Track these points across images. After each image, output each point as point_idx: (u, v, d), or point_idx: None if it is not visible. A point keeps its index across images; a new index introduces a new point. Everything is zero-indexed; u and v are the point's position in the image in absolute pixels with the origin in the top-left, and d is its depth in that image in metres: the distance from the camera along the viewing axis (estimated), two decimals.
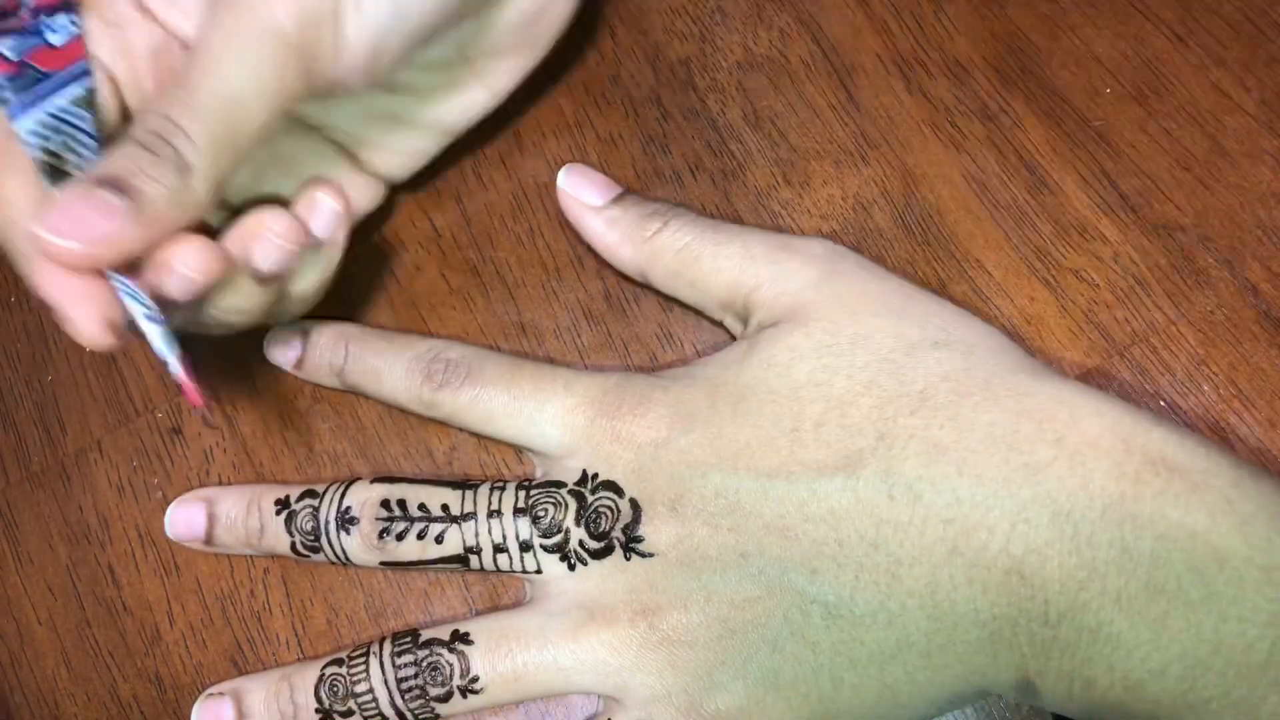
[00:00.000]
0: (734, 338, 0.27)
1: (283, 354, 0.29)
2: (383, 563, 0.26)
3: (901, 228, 0.28)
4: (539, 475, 0.27)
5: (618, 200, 0.28)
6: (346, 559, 0.26)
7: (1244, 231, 0.27)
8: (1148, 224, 0.27)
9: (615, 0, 0.31)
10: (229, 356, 0.30)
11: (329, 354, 0.28)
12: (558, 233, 0.30)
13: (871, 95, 0.30)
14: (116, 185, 0.20)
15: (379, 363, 0.27)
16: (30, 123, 0.21)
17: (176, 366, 0.22)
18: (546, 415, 0.26)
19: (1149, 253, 0.27)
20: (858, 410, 0.23)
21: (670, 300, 0.29)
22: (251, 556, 0.29)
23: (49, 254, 0.20)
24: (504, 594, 0.27)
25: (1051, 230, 0.28)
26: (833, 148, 0.29)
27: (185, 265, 0.21)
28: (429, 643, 0.25)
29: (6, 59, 0.21)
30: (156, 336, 0.21)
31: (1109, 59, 0.29)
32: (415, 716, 0.25)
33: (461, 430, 0.28)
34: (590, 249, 0.29)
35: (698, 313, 0.29)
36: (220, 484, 0.29)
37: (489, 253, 0.30)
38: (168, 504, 0.29)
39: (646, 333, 0.29)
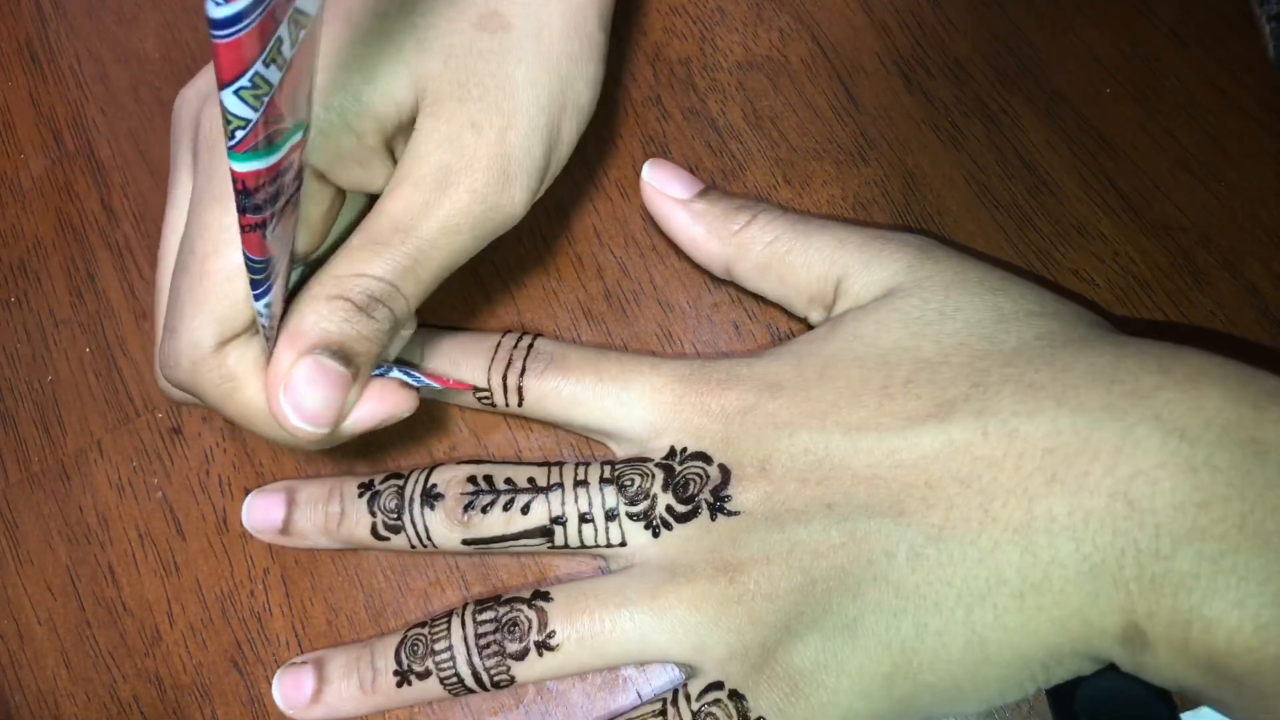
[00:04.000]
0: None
1: None
2: (465, 541, 0.26)
3: (901, 228, 0.28)
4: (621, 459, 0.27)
5: (703, 194, 0.27)
6: (428, 538, 0.26)
7: (1244, 231, 0.27)
8: (1148, 224, 0.27)
9: (615, 0, 0.31)
10: None
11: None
12: (558, 233, 0.30)
13: (871, 95, 0.30)
14: (342, 353, 0.21)
15: (458, 354, 0.27)
16: (267, 299, 0.20)
17: (430, 383, 0.25)
18: (633, 394, 0.26)
19: (1149, 253, 0.27)
20: (949, 368, 0.23)
21: (671, 300, 0.29)
22: (253, 558, 0.29)
23: (295, 435, 0.21)
24: (504, 594, 0.27)
25: (1051, 230, 0.28)
26: (833, 148, 0.29)
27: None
28: (510, 600, 0.25)
29: (266, 243, 0.19)
30: (396, 378, 0.24)
31: (1109, 59, 0.29)
32: (490, 677, 0.25)
33: (539, 432, 0.28)
34: (584, 248, 0.29)
35: (696, 313, 0.29)
36: (220, 484, 0.29)
37: (489, 253, 0.30)
38: (167, 504, 0.29)
39: (646, 332, 0.29)
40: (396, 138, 0.23)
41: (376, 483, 0.27)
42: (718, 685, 0.23)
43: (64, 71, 0.34)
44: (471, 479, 0.26)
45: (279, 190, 0.18)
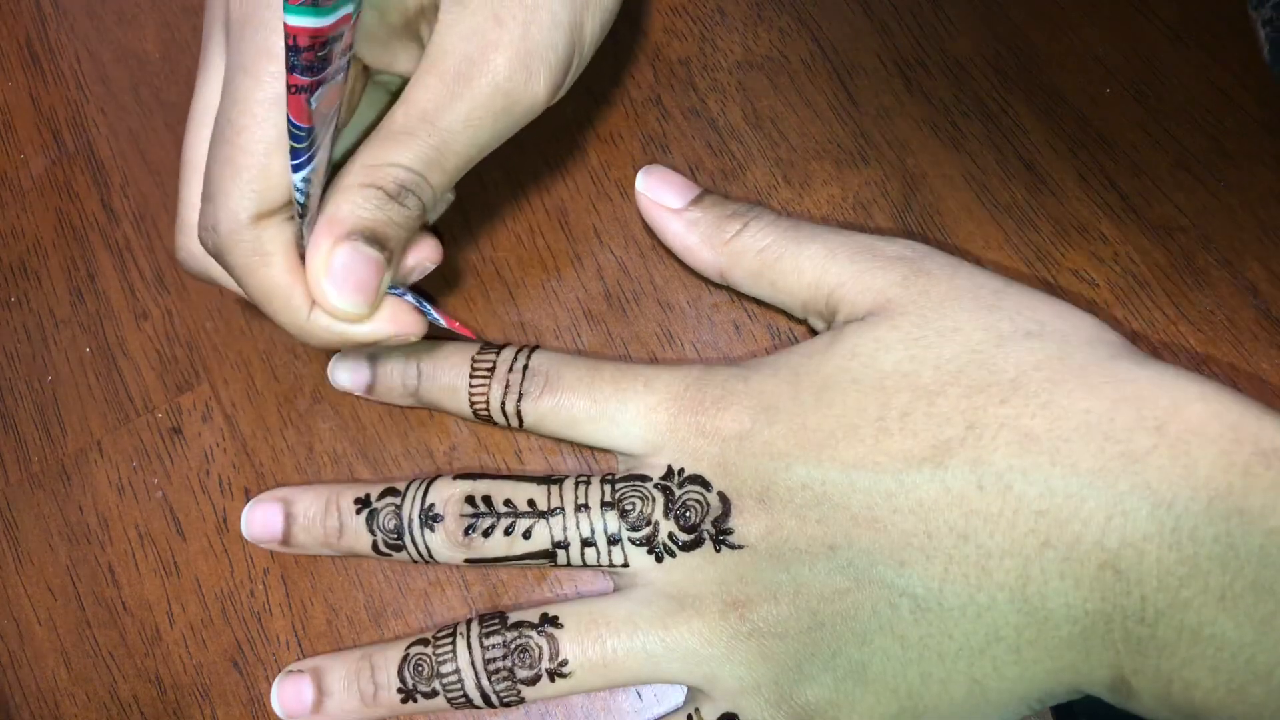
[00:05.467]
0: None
1: (351, 379, 0.29)
2: (467, 560, 0.26)
3: (901, 228, 0.28)
4: (621, 470, 0.27)
5: (696, 202, 0.27)
6: (430, 557, 0.26)
7: (1244, 231, 0.27)
8: (1148, 224, 0.27)
9: None
10: (230, 357, 0.30)
11: (400, 375, 0.28)
12: (557, 233, 0.30)
13: (871, 95, 0.30)
14: (376, 239, 0.22)
15: (455, 379, 0.27)
16: (305, 172, 0.21)
17: (438, 318, 0.25)
18: (628, 415, 0.26)
19: (1149, 253, 0.27)
20: (945, 400, 0.23)
21: (671, 300, 0.29)
22: (253, 558, 0.29)
23: (335, 315, 0.22)
24: (503, 595, 0.27)
25: (1051, 230, 0.28)
26: (833, 148, 0.29)
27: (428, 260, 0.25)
28: (518, 625, 0.25)
29: (310, 110, 0.20)
30: (410, 302, 0.24)
31: (1109, 59, 0.29)
32: (500, 699, 0.25)
33: (540, 436, 0.28)
34: (584, 248, 0.29)
35: (696, 313, 0.29)
36: (220, 484, 0.29)
37: (489, 253, 0.30)
38: (167, 504, 0.29)
39: (646, 333, 0.29)
40: (419, 22, 0.24)
41: (373, 499, 0.27)
42: (732, 717, 0.24)
43: (64, 71, 0.34)
44: (469, 499, 0.26)
45: (327, 58, 0.18)
